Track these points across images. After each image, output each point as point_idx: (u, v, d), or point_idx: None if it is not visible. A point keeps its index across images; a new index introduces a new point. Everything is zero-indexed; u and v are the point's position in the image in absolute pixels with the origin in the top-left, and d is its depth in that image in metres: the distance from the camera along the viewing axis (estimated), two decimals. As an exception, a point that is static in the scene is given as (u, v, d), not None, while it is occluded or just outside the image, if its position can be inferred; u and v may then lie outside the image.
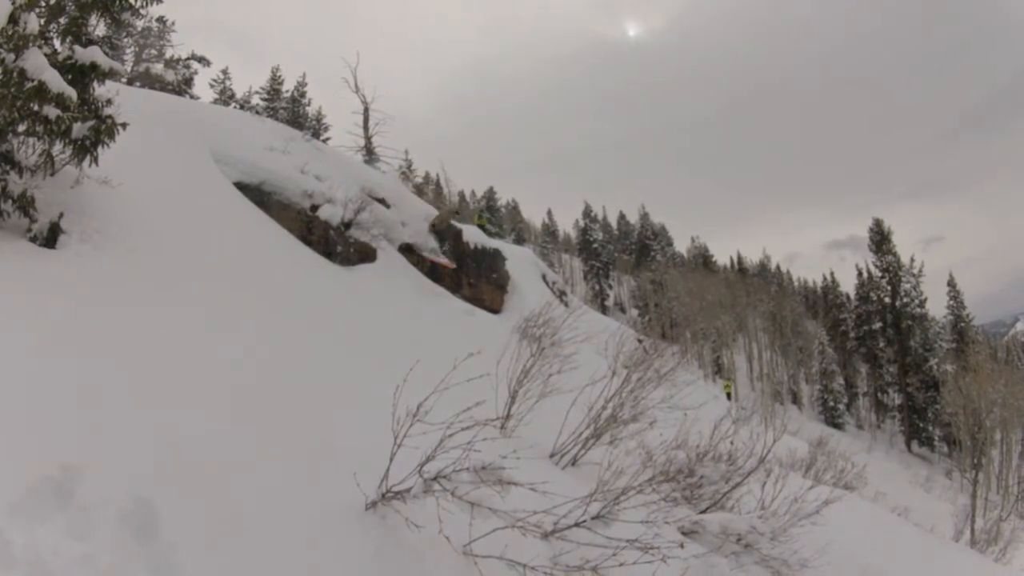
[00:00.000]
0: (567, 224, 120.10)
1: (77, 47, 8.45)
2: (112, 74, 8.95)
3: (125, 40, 37.05)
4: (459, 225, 24.45)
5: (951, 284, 75.10)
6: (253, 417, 5.65)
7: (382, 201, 20.68)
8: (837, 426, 65.99)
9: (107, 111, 8.65)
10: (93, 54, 8.42)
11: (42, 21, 8.42)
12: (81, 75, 8.40)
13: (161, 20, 37.80)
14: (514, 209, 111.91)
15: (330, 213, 17.14)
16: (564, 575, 4.53)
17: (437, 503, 4.26)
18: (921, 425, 65.70)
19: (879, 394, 72.97)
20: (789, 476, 9.58)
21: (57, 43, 8.88)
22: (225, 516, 3.98)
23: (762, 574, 7.82)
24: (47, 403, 4.51)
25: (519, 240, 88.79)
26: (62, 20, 9.04)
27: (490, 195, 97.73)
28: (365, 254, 17.85)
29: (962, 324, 73.86)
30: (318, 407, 6.65)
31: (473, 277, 23.32)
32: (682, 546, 5.10)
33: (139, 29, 36.81)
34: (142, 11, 10.17)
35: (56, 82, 7.62)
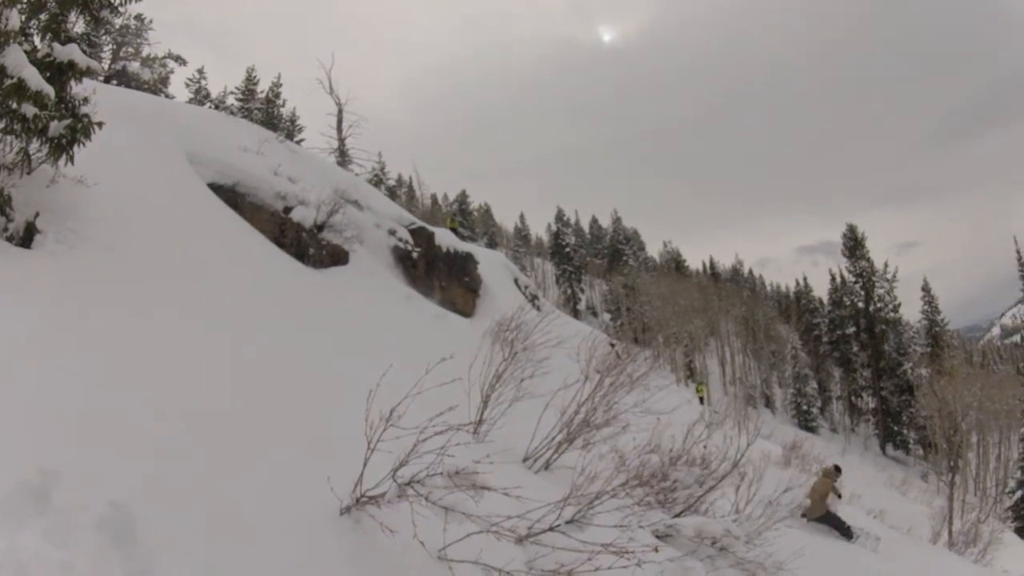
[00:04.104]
0: (539, 228, 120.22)
1: (56, 44, 8.41)
2: (89, 72, 8.88)
3: (103, 38, 36.88)
4: (431, 228, 24.48)
5: (925, 289, 75.35)
6: (226, 422, 5.65)
7: (355, 203, 20.72)
8: (811, 429, 66.36)
9: (84, 109, 8.61)
10: (71, 52, 8.38)
11: (23, 17, 8.36)
12: (59, 73, 8.36)
13: (139, 18, 37.64)
14: (486, 212, 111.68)
15: (303, 215, 17.08)
16: (539, 579, 4.56)
17: (411, 508, 4.28)
18: (896, 428, 66.26)
19: (853, 398, 73.54)
20: (764, 478, 9.63)
21: (37, 40, 8.83)
22: (201, 522, 3.98)
23: (737, 576, 7.88)
24: (22, 406, 4.50)
25: (491, 244, 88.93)
26: (42, 16, 8.98)
27: (462, 198, 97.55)
28: (337, 256, 17.81)
29: (937, 328, 74.16)
30: (290, 412, 6.64)
31: (445, 280, 23.35)
32: (656, 550, 5.13)
33: (117, 27, 36.62)
34: (121, 8, 10.11)
35: (35, 80, 7.59)
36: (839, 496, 15.49)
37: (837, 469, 15.67)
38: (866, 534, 14.89)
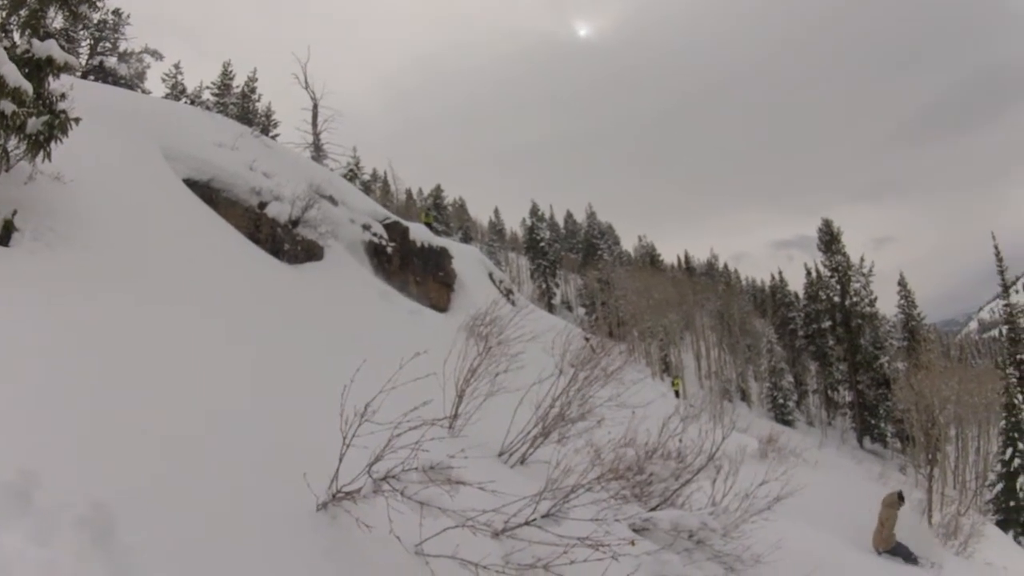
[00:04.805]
0: (514, 222, 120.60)
1: (35, 40, 8.41)
2: (67, 68, 8.88)
3: (81, 33, 36.68)
4: (406, 223, 24.45)
5: (901, 283, 75.53)
6: (215, 421, 5.68)
7: (330, 198, 20.77)
8: (787, 423, 66.48)
9: (61, 106, 8.60)
10: (50, 48, 8.38)
11: (3, 14, 8.37)
12: (37, 69, 8.36)
13: (117, 13, 37.45)
14: (461, 207, 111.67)
15: (278, 211, 17.05)
16: (516, 574, 4.59)
17: (387, 503, 4.31)
18: (873, 422, 66.39)
19: (829, 391, 73.79)
20: (740, 472, 9.68)
21: (16, 36, 8.82)
22: (180, 520, 4.01)
23: (715, 570, 7.91)
24: (10, 405, 4.50)
25: (466, 238, 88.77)
26: (22, 12, 8.97)
27: (437, 193, 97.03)
28: (312, 252, 17.77)
29: (913, 323, 74.30)
30: (266, 408, 6.66)
31: (420, 275, 23.29)
32: (633, 543, 5.17)
33: (95, 22, 36.42)
34: (99, 3, 10.11)
35: (14, 76, 7.59)
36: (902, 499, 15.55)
37: (900, 497, 15.64)
38: (929, 563, 15.04)
